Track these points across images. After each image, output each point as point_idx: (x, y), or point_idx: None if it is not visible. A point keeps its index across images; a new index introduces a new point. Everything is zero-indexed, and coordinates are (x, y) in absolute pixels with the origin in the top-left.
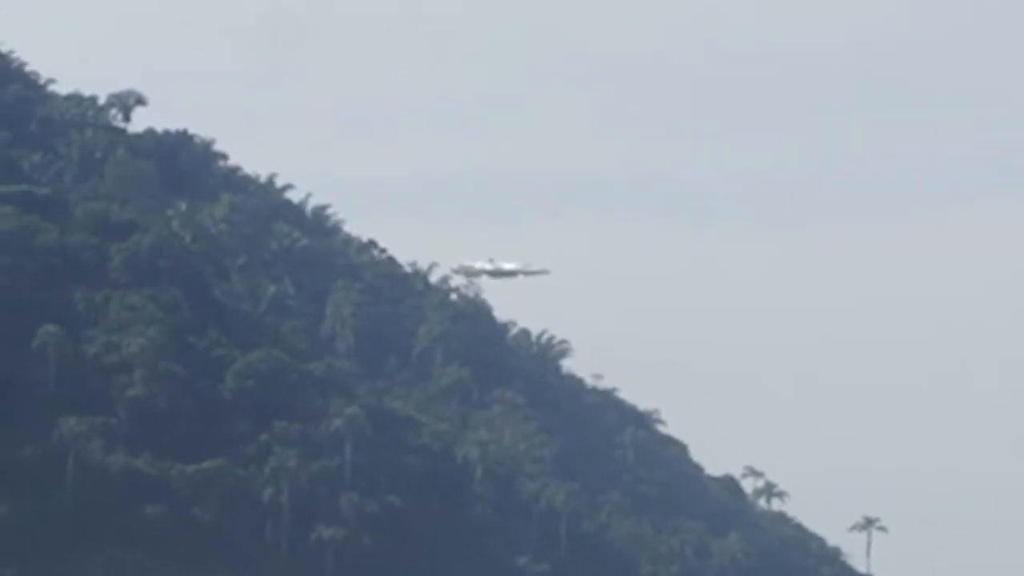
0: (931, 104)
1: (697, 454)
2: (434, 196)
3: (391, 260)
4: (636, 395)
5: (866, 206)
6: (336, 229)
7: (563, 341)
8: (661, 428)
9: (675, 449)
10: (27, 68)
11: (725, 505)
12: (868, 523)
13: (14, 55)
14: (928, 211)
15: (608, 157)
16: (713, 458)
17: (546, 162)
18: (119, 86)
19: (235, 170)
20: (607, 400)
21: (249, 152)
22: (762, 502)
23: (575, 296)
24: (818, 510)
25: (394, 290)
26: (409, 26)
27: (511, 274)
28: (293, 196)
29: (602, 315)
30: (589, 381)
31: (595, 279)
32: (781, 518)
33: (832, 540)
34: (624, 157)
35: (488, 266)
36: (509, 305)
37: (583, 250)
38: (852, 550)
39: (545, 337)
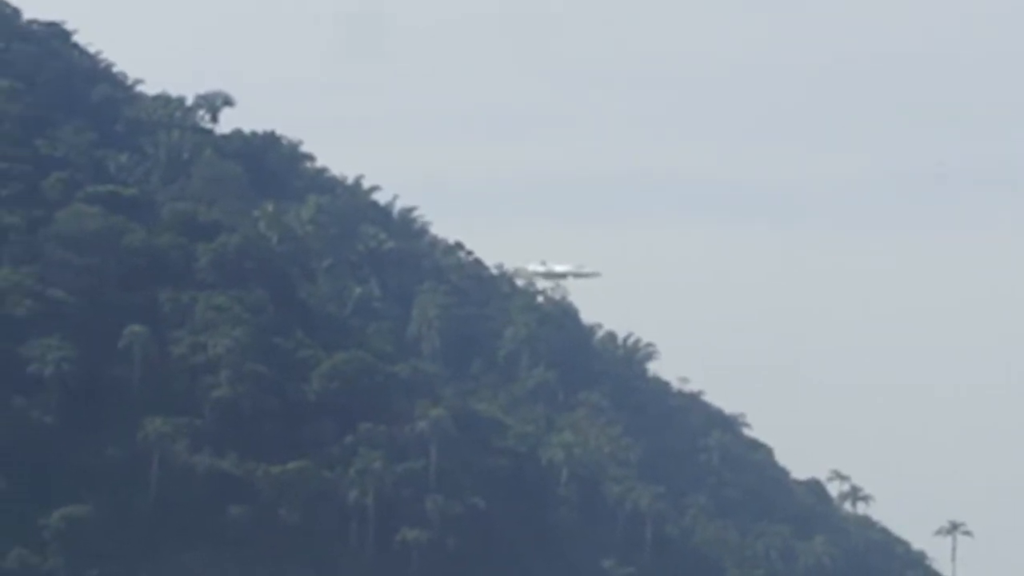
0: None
1: (783, 457)
2: (523, 198)
3: (477, 262)
4: (722, 398)
5: (951, 211)
6: (423, 231)
7: (649, 344)
8: (747, 431)
9: (761, 452)
10: (115, 69)
11: (810, 509)
12: (953, 528)
13: (102, 56)
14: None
15: (698, 160)
16: (799, 462)
17: (637, 165)
18: (206, 87)
19: (322, 171)
20: (693, 403)
21: (336, 154)
22: (847, 506)
23: (663, 299)
24: (903, 514)
25: (480, 292)
26: (497, 29)
27: (562, 276)
28: (380, 198)
29: (689, 318)
30: (675, 384)
31: (683, 282)
32: (866, 522)
33: (917, 544)
34: (712, 160)
35: (540, 268)
36: (596, 307)
37: (673, 253)
38: (937, 555)
39: (631, 340)
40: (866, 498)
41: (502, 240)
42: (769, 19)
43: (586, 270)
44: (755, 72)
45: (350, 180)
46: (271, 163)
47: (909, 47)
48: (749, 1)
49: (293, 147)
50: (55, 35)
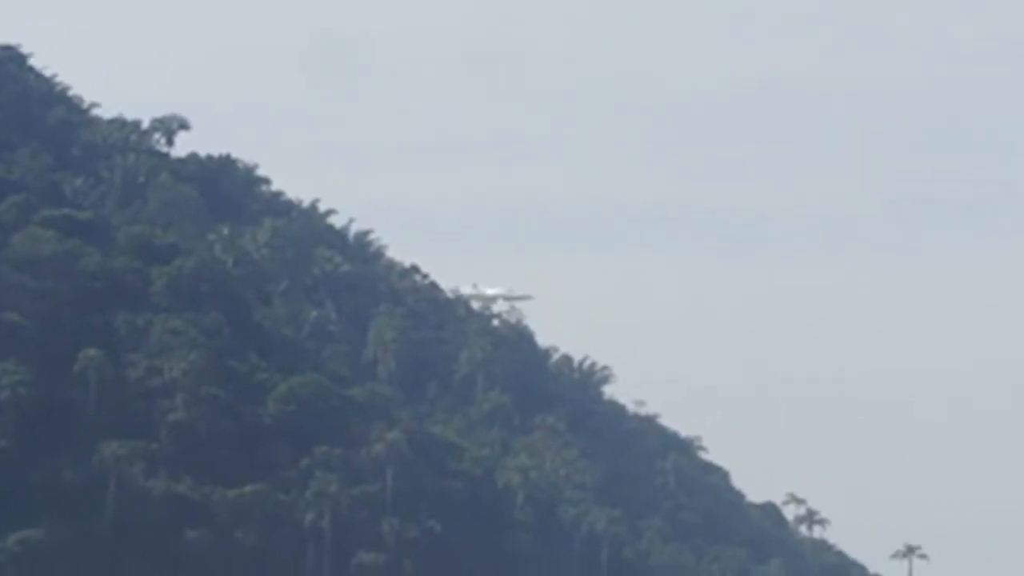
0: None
1: (738, 481)
2: (477, 223)
3: (433, 285)
4: (678, 422)
5: (929, 240)
6: (378, 254)
7: (605, 367)
8: (703, 455)
9: (716, 476)
10: (70, 92)
11: (766, 532)
12: (909, 551)
13: (58, 79)
14: (998, 243)
15: (662, 187)
16: (754, 485)
17: (595, 191)
18: (162, 111)
19: (277, 195)
20: (649, 426)
21: (292, 177)
22: (803, 529)
23: (617, 323)
24: (859, 537)
25: (436, 315)
26: (463, 59)
27: (492, 299)
28: (335, 221)
29: (647, 343)
30: (631, 407)
31: (643, 308)
32: (822, 545)
33: (873, 568)
34: (679, 187)
35: (471, 290)
36: (553, 332)
37: (627, 278)
38: None
39: (587, 363)
40: (822, 521)
41: (461, 265)
42: (752, 46)
43: (517, 293)
44: (738, 98)
45: (306, 203)
46: (227, 186)
47: (897, 73)
48: (730, 27)
49: (249, 170)
50: (10, 58)
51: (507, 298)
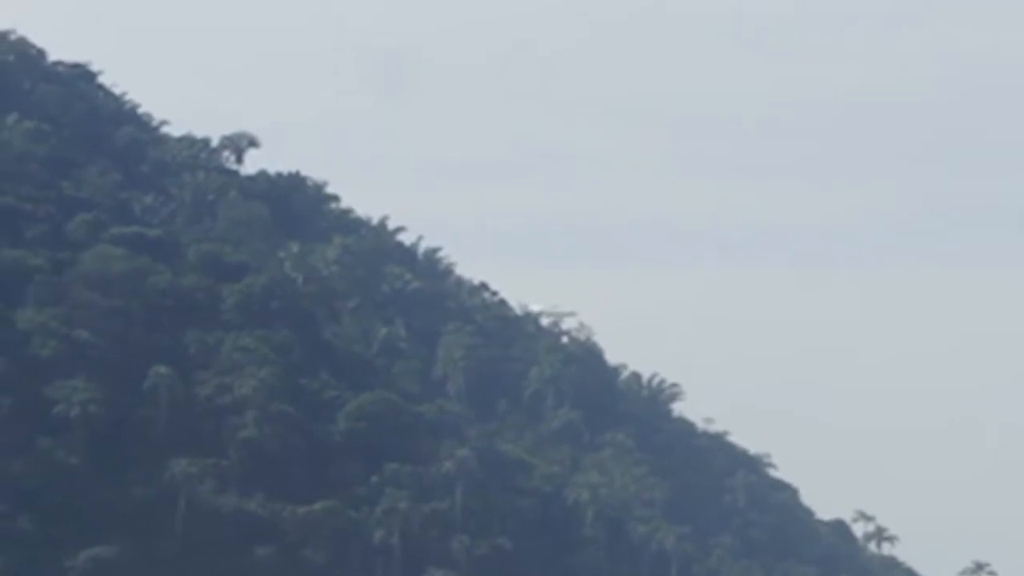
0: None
1: (808, 498)
2: (547, 239)
3: (502, 303)
4: (747, 439)
5: (970, 250)
6: (448, 272)
7: (674, 385)
8: (772, 472)
9: (785, 493)
10: (140, 110)
11: (835, 549)
12: (979, 568)
13: (127, 97)
14: None
15: (734, 205)
16: (823, 502)
17: (658, 208)
18: (232, 128)
19: (347, 212)
20: (718, 444)
21: (361, 195)
22: (872, 546)
23: (688, 340)
24: (929, 554)
25: (505, 333)
26: (520, 72)
27: (537, 315)
28: (405, 239)
29: (714, 359)
30: (700, 425)
31: (708, 323)
32: (891, 562)
33: None
34: (751, 204)
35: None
36: (622, 348)
37: (697, 294)
38: None
39: (656, 380)
40: (891, 538)
41: (530, 281)
42: (766, 61)
43: (561, 309)
44: (763, 118)
45: (375, 221)
46: (296, 204)
47: (906, 85)
48: (745, 42)
49: (318, 188)
50: (80, 76)
51: (549, 314)
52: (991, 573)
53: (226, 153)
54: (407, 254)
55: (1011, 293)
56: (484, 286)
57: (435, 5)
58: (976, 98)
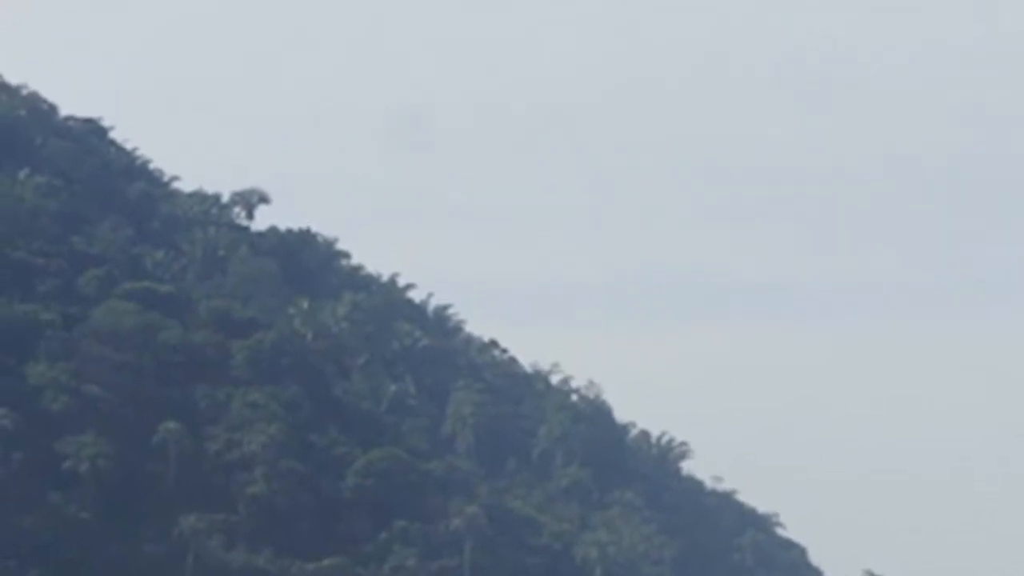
0: None
1: (816, 557)
2: (557, 297)
3: (512, 360)
4: (755, 498)
5: (987, 311)
6: (457, 329)
7: (683, 443)
8: (780, 531)
9: (794, 552)
10: (151, 165)
11: None
12: None
13: (138, 152)
14: None
15: (737, 260)
16: (832, 561)
17: (668, 266)
18: (242, 184)
19: (357, 269)
20: (726, 502)
21: (371, 251)
22: None
23: (696, 398)
24: None
25: (515, 390)
26: (529, 129)
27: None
28: (415, 296)
29: (723, 417)
30: (709, 483)
31: (716, 382)
32: None
33: None
34: (754, 260)
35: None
36: (630, 406)
37: (704, 353)
38: None
39: (665, 439)
40: None
41: (536, 337)
42: (797, 116)
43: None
44: (792, 171)
45: (385, 277)
46: (306, 260)
47: (942, 145)
48: (777, 97)
49: (328, 244)
50: (92, 131)
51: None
52: None
53: (237, 209)
54: (417, 311)
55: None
56: (494, 343)
57: (449, 64)
58: (994, 162)
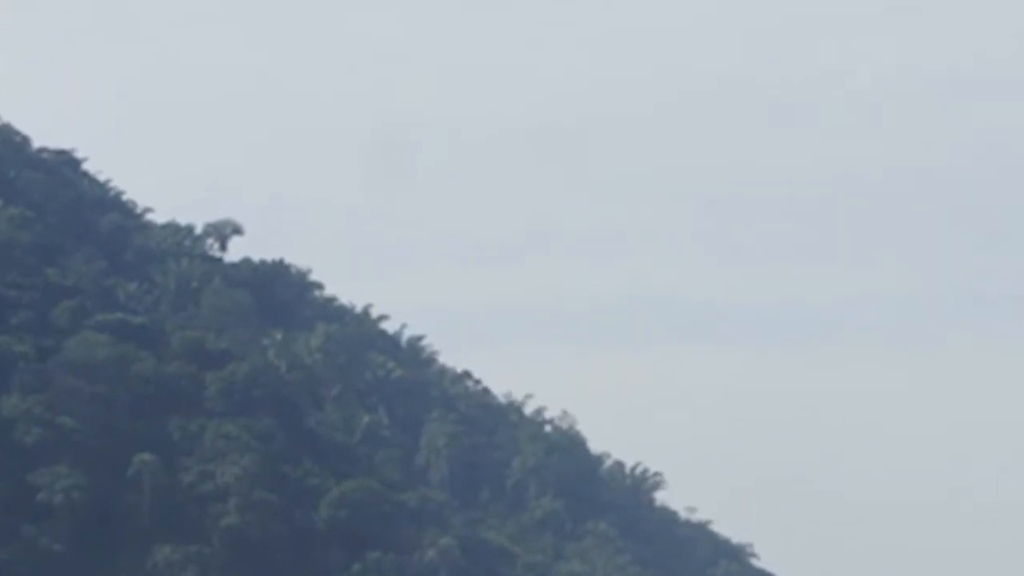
0: None
1: None
2: (530, 327)
3: (485, 391)
4: (730, 528)
5: (987, 332)
6: (431, 360)
7: (657, 474)
8: (754, 561)
9: None
10: (124, 197)
11: None
12: None
13: (111, 184)
14: None
15: (711, 283)
16: None
17: (651, 287)
18: (216, 215)
19: (331, 300)
20: (700, 533)
21: (345, 283)
22: None
23: (670, 421)
24: None
25: (488, 421)
26: (510, 159)
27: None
28: (388, 327)
29: (699, 441)
30: (683, 514)
31: (692, 405)
32: None
33: None
34: (728, 283)
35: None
36: (604, 435)
37: (676, 375)
38: None
39: (639, 469)
40: None
41: (511, 366)
42: (789, 134)
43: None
44: (780, 190)
45: (359, 309)
46: (280, 291)
47: (938, 161)
48: (768, 116)
49: (302, 276)
50: (65, 163)
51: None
52: None
53: (210, 240)
54: (390, 342)
55: (1004, 371)
56: (467, 374)
57: (428, 91)
58: (1004, 178)
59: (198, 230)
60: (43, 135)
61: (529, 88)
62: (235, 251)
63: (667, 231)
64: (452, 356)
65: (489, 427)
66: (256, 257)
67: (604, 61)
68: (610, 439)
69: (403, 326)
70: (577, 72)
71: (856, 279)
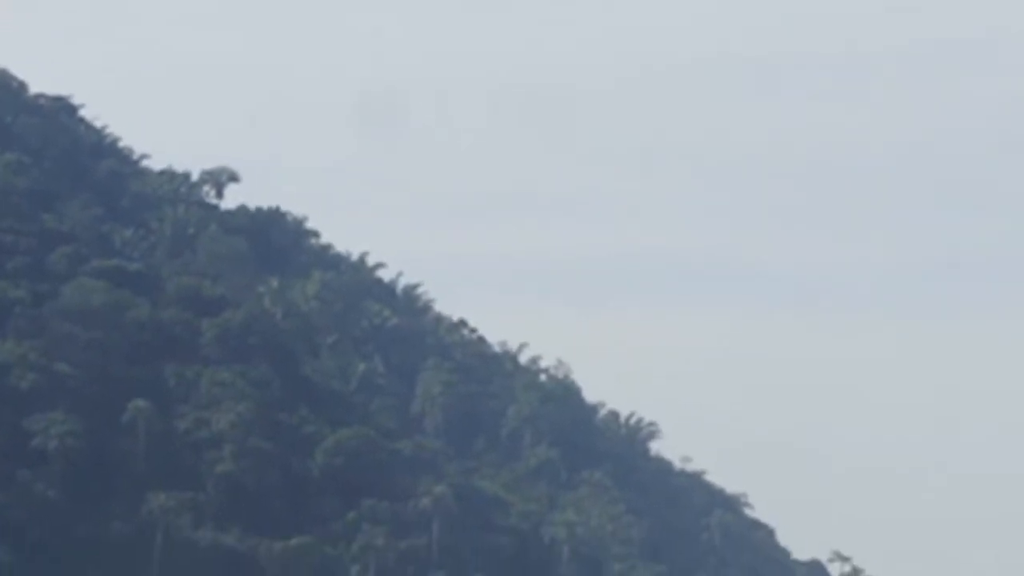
0: None
1: (784, 537)
2: (526, 277)
3: (481, 340)
4: (724, 478)
5: (961, 297)
6: (426, 308)
7: (651, 423)
8: (748, 511)
9: (762, 532)
10: (121, 143)
11: None
12: None
13: (108, 130)
14: None
15: (708, 241)
16: (800, 542)
17: (646, 245)
18: (212, 163)
19: (327, 248)
20: (695, 483)
21: (341, 230)
22: None
23: (666, 376)
24: None
25: (484, 370)
26: (507, 113)
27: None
28: (384, 275)
29: (692, 397)
30: (677, 464)
31: (685, 362)
32: None
33: None
34: (726, 241)
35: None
36: (600, 387)
37: (673, 331)
38: None
39: (634, 419)
40: None
41: (506, 318)
42: (783, 106)
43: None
44: (772, 158)
45: (355, 257)
46: (276, 239)
47: (927, 134)
48: (765, 88)
49: (298, 223)
50: (62, 109)
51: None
52: None
53: (206, 187)
54: (386, 290)
55: (993, 341)
56: (463, 323)
57: (421, 48)
58: (989, 148)
59: (195, 177)
60: (40, 80)
61: (517, 53)
62: (231, 199)
63: (655, 194)
64: (447, 305)
65: (484, 376)
66: (252, 205)
67: (593, 27)
68: (604, 391)
69: (399, 274)
70: (565, 38)
71: (843, 246)
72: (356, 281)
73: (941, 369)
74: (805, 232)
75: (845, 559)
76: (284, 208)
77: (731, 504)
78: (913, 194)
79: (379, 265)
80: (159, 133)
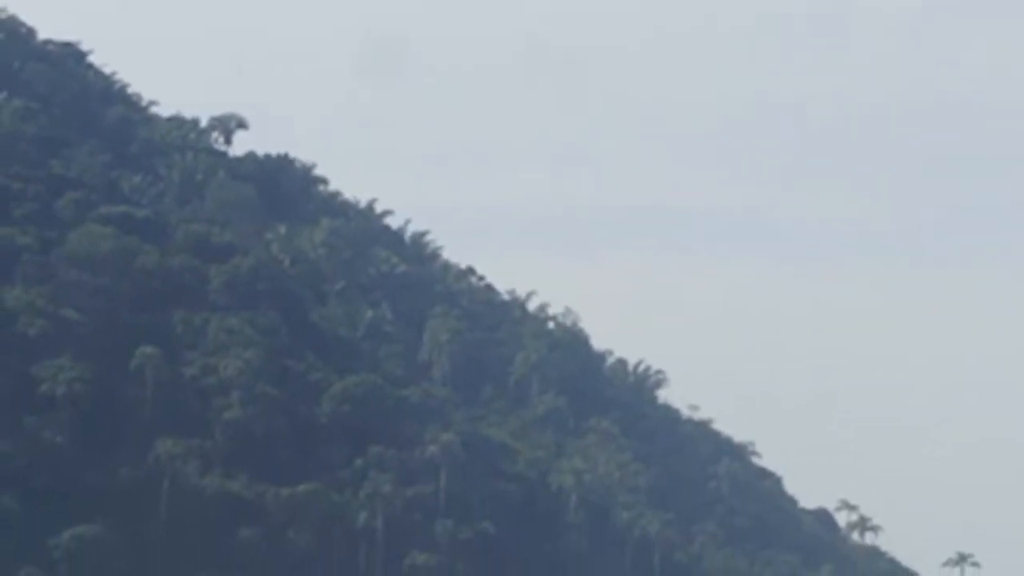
0: None
1: (791, 486)
2: (534, 226)
3: (489, 288)
4: (732, 427)
5: (969, 257)
6: (435, 256)
7: (659, 371)
8: (756, 460)
9: (769, 481)
10: (129, 89)
11: (818, 538)
12: (961, 559)
13: (117, 76)
14: None
15: (719, 193)
16: (807, 491)
17: (655, 198)
18: (221, 109)
19: (335, 195)
20: (702, 431)
21: (349, 178)
22: (855, 536)
23: (674, 327)
24: (912, 545)
25: (492, 317)
26: (519, 63)
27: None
28: (392, 222)
29: (702, 347)
30: (685, 412)
31: (694, 311)
32: (874, 552)
33: (925, 575)
34: (732, 195)
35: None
36: (609, 336)
37: (681, 283)
38: None
39: (642, 367)
40: (874, 528)
41: (514, 266)
42: (782, 64)
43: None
44: (778, 114)
45: (363, 204)
46: (284, 186)
47: (920, 95)
48: (761, 48)
49: (306, 170)
50: (70, 55)
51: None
52: (974, 564)
53: (215, 134)
54: (394, 238)
55: (1005, 295)
56: (471, 271)
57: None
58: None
59: (203, 124)
60: (48, 26)
61: (523, 11)
62: (240, 145)
63: (664, 150)
64: (456, 253)
65: (492, 323)
66: (261, 152)
67: None
68: (612, 340)
69: (407, 222)
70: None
71: (867, 196)
72: (364, 228)
73: (954, 321)
74: (824, 184)
75: (852, 508)
76: (292, 155)
77: (738, 452)
78: (910, 151)
79: (387, 212)
80: (168, 79)
